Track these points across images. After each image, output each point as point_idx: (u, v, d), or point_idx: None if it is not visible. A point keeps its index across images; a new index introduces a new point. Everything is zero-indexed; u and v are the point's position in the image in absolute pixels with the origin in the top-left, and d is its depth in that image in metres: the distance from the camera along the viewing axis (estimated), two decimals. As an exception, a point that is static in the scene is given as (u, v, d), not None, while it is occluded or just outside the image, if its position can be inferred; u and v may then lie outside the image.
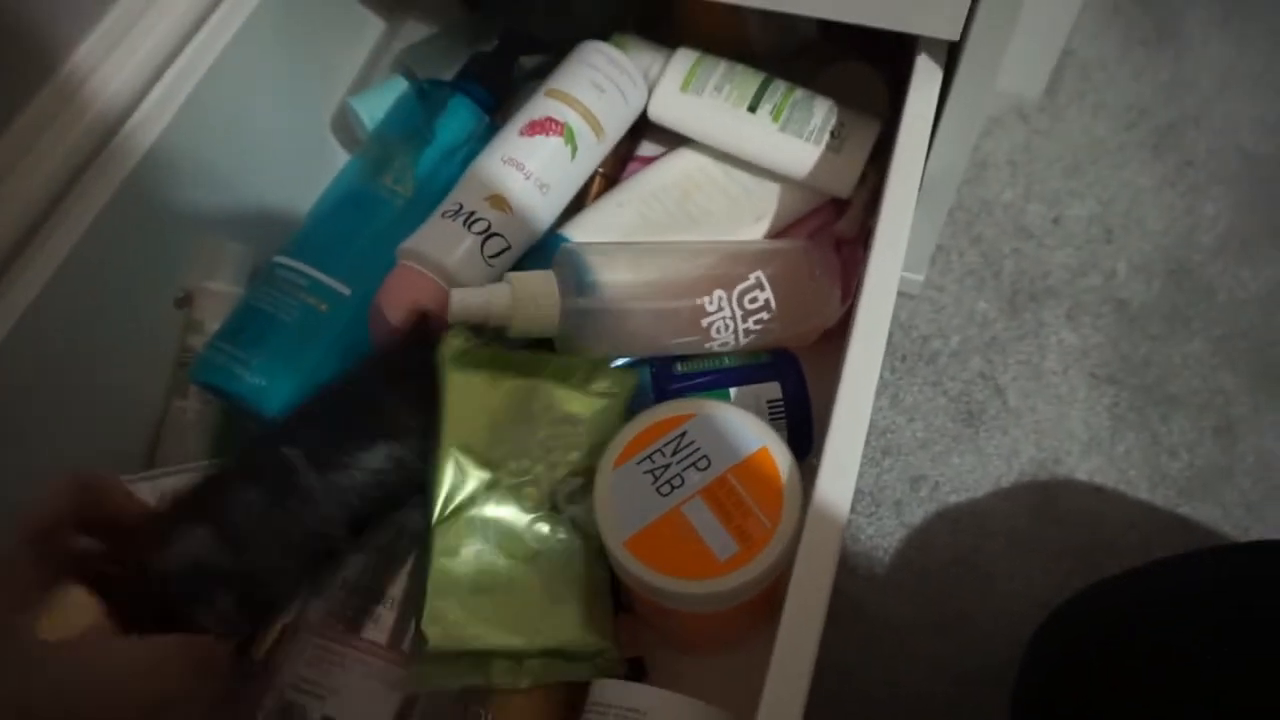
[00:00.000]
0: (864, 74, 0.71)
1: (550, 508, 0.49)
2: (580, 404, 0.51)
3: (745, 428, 0.47)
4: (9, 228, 0.53)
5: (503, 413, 0.50)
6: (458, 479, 0.48)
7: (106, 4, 0.59)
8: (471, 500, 0.48)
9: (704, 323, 0.54)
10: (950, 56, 0.55)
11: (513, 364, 0.52)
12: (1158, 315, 0.76)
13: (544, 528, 0.49)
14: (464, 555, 0.47)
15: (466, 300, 0.53)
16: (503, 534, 0.48)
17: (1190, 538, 0.66)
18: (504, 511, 0.48)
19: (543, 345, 0.54)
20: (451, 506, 0.48)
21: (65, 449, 0.53)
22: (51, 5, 0.55)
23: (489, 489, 0.48)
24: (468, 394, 0.50)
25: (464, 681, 0.46)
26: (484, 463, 0.48)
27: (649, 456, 0.46)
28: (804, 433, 0.55)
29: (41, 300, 0.49)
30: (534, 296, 0.51)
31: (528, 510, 0.48)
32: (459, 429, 0.49)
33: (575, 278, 0.53)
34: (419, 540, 0.49)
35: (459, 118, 0.63)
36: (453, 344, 0.50)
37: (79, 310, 0.52)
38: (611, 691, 0.45)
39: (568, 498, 0.49)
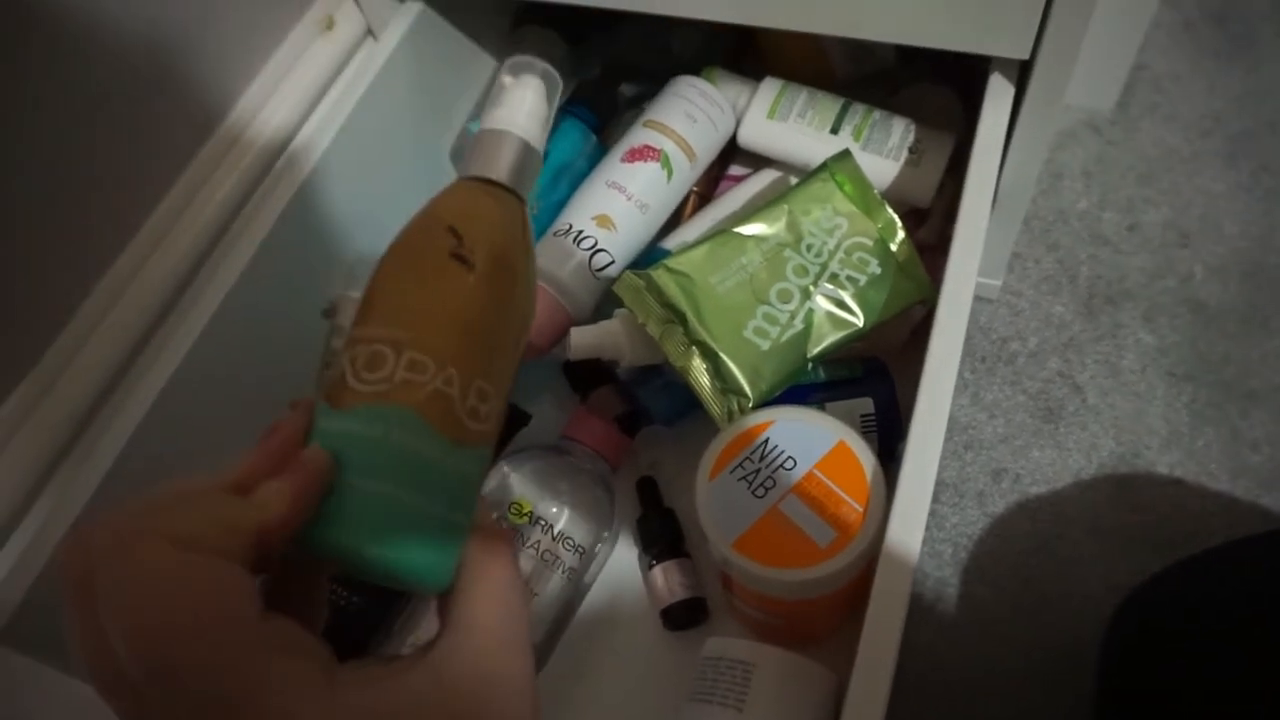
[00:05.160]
0: (939, 94, 0.73)
1: (820, 278, 0.55)
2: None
3: (821, 427, 0.49)
4: (187, 252, 0.60)
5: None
6: (771, 222, 0.56)
7: (263, 61, 0.65)
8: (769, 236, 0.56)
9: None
10: (1021, 74, 0.57)
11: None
12: (1235, 315, 0.75)
13: (802, 292, 0.54)
14: (730, 265, 0.54)
15: (584, 338, 0.57)
16: (763, 265, 0.54)
17: (1271, 527, 0.66)
18: (779, 261, 0.55)
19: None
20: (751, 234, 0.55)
21: (233, 444, 0.59)
22: (215, 63, 0.62)
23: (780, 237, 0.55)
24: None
25: (650, 316, 0.52)
26: (790, 226, 0.56)
27: (739, 465, 0.48)
28: (895, 442, 0.56)
29: (215, 319, 0.54)
30: (643, 329, 0.54)
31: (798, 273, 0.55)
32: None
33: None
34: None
35: (569, 138, 0.68)
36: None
37: (246, 326, 0.57)
38: (722, 646, 0.48)
39: (836, 278, 0.55)
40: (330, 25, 0.69)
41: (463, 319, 0.30)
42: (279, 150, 0.64)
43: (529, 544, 0.52)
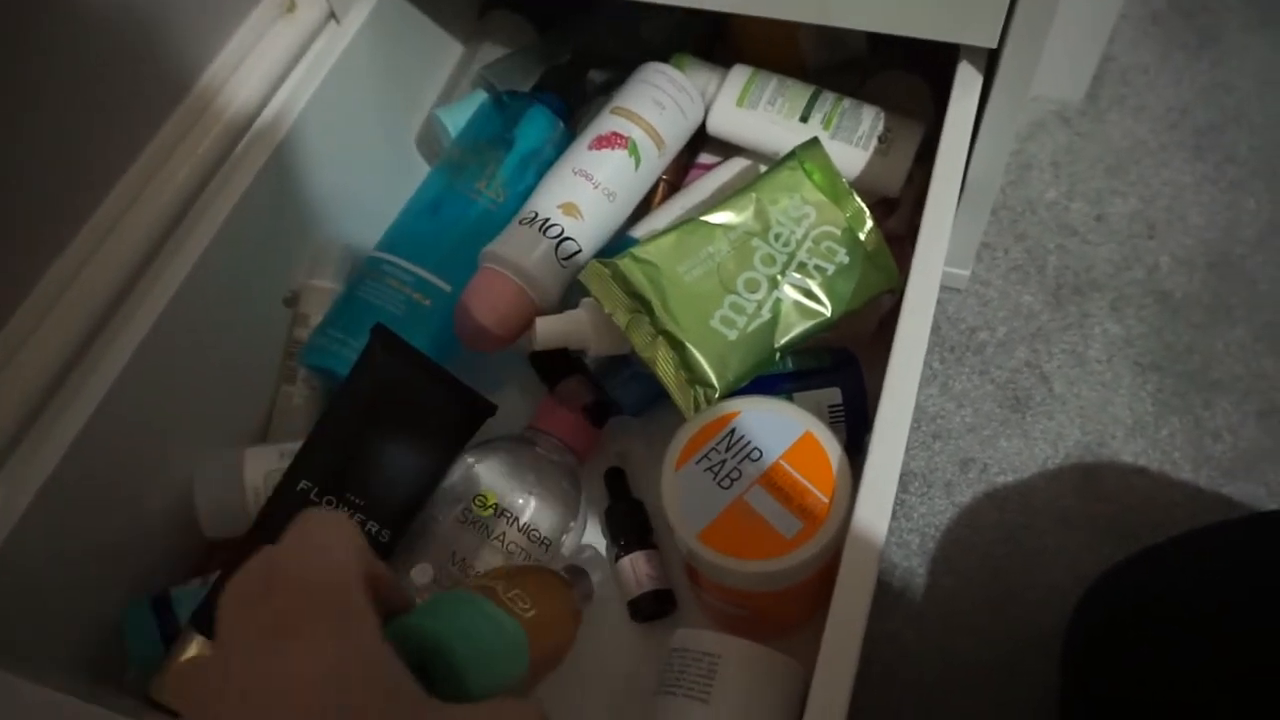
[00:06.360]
0: (909, 82, 0.73)
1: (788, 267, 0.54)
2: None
3: (788, 417, 0.49)
4: (145, 236, 0.58)
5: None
6: (739, 211, 0.55)
7: (223, 41, 0.64)
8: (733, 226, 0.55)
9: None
10: (989, 63, 0.57)
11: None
12: (1200, 305, 0.76)
13: (770, 281, 0.53)
14: (698, 254, 0.53)
15: (549, 328, 0.56)
16: (731, 254, 0.54)
17: (1234, 515, 0.66)
18: (747, 250, 0.54)
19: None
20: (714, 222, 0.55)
21: (194, 431, 0.58)
22: (171, 45, 0.60)
23: (746, 230, 0.55)
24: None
25: (616, 306, 0.51)
26: (758, 215, 0.55)
27: (705, 455, 0.48)
28: (863, 433, 0.56)
29: (174, 302, 0.53)
30: (609, 319, 0.53)
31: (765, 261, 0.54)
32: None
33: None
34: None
35: (537, 125, 0.67)
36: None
37: (206, 310, 0.56)
38: (688, 638, 0.48)
39: (804, 267, 0.54)
40: (292, 7, 0.68)
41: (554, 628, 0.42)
42: (239, 134, 0.63)
43: (494, 536, 0.51)
